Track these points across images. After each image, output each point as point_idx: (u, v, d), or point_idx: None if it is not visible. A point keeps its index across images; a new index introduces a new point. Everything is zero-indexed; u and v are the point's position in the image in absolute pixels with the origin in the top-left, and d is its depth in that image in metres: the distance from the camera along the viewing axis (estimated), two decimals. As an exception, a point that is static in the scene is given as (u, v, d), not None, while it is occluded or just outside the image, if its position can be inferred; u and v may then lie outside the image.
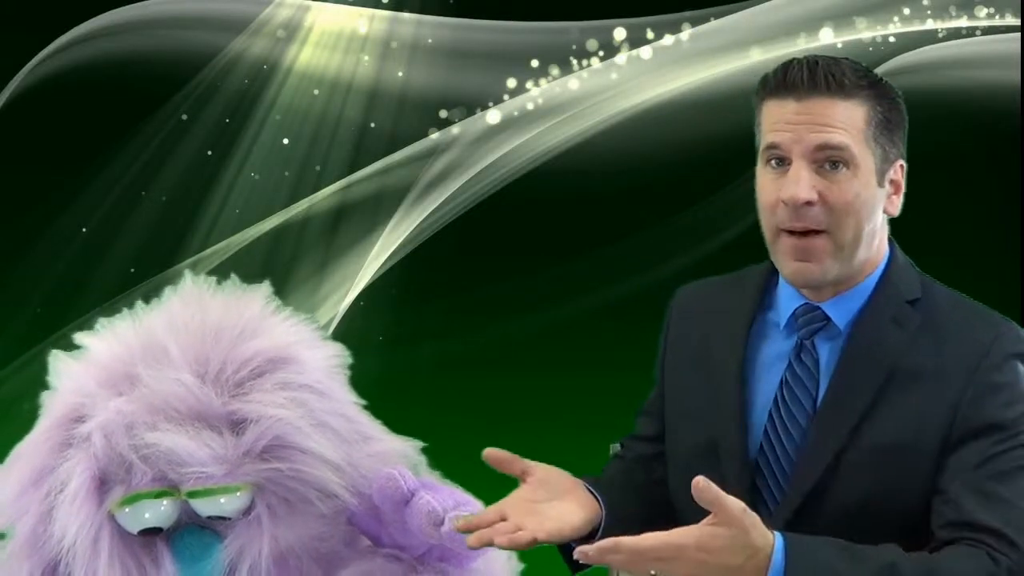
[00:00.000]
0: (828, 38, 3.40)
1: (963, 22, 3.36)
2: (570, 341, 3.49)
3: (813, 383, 1.66)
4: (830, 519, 1.62)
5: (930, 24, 3.37)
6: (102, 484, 1.24)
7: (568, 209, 3.50)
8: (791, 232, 1.61)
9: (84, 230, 3.56)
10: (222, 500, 1.23)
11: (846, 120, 1.59)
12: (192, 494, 1.23)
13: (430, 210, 3.59)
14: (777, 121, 1.62)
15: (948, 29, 3.37)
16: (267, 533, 1.24)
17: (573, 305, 3.51)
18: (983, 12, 3.35)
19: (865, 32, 3.39)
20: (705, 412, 1.72)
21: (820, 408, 1.64)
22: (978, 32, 3.35)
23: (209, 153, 3.59)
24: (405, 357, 3.53)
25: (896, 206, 1.65)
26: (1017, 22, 3.31)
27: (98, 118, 3.51)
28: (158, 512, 1.23)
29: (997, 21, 3.34)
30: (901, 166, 1.65)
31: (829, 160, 1.59)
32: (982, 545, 1.52)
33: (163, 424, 1.22)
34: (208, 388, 1.25)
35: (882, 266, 1.67)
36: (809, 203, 1.59)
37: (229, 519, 1.25)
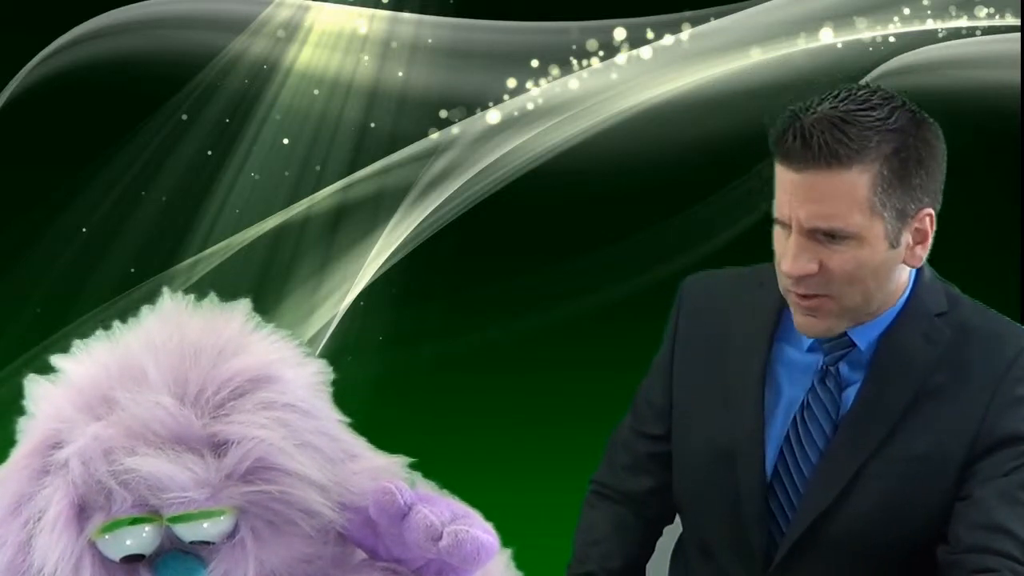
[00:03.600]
0: (828, 38, 3.40)
1: (963, 22, 3.36)
2: (571, 341, 3.48)
3: (834, 406, 1.64)
4: (839, 539, 1.62)
5: (930, 24, 3.37)
6: (81, 512, 1.21)
7: (568, 209, 3.49)
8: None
9: (84, 230, 3.56)
10: (205, 525, 1.21)
11: (844, 195, 1.51)
12: (174, 519, 1.21)
13: (430, 210, 3.59)
14: (779, 188, 1.56)
15: (948, 29, 3.36)
16: (252, 556, 1.21)
17: (573, 305, 3.51)
18: (983, 12, 3.34)
19: (865, 32, 3.39)
20: (721, 417, 1.70)
21: (845, 424, 1.63)
22: (978, 32, 3.35)
23: (209, 153, 3.59)
24: (405, 357, 3.53)
25: (919, 257, 1.59)
26: (1017, 22, 3.31)
27: (98, 118, 3.51)
28: (140, 539, 1.21)
29: (997, 21, 3.34)
30: (928, 215, 1.57)
31: (826, 235, 1.54)
32: (1000, 557, 1.52)
33: (142, 448, 1.20)
34: (188, 410, 1.22)
35: (909, 288, 1.64)
36: (807, 275, 1.55)
37: (213, 543, 1.23)
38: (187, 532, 1.22)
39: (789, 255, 1.55)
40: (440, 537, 1.22)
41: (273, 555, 1.23)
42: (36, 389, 1.29)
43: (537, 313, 3.50)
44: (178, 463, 1.19)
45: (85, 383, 1.27)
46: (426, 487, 1.29)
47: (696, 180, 3.43)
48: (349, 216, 3.62)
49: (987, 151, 3.15)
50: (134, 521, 1.21)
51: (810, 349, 1.66)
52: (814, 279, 1.55)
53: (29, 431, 1.28)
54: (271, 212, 3.62)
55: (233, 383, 1.24)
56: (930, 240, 1.60)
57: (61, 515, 1.20)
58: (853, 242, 1.53)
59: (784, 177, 1.55)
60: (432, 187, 3.59)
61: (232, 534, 1.23)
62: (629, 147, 3.48)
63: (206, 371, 1.24)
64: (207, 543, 1.23)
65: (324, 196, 3.62)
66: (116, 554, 1.22)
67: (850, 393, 1.63)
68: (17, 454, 1.27)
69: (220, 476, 1.21)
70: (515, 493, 3.18)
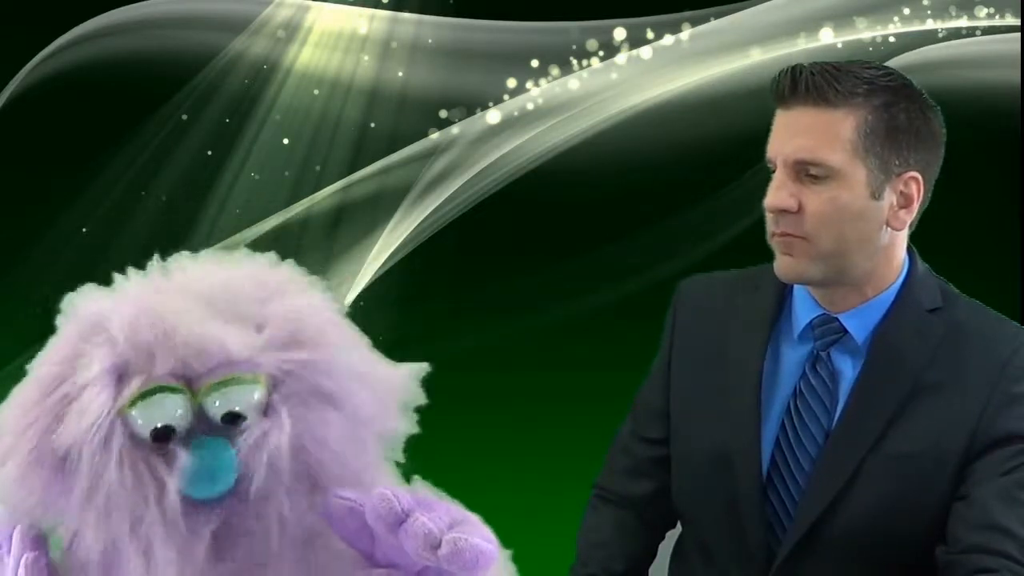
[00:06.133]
0: (828, 38, 3.40)
1: (963, 22, 3.36)
2: (570, 341, 3.48)
3: (829, 396, 1.64)
4: (840, 539, 1.62)
5: (930, 24, 3.37)
6: (120, 377, 1.21)
7: (568, 209, 3.49)
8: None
9: (84, 230, 3.56)
10: (240, 391, 1.22)
11: (828, 131, 1.56)
12: (211, 388, 1.22)
13: (430, 210, 3.59)
14: (772, 132, 1.63)
15: (948, 29, 3.36)
16: (285, 423, 1.22)
17: (573, 305, 3.51)
18: (983, 12, 3.35)
19: (865, 32, 3.39)
20: (718, 419, 1.70)
21: (841, 421, 1.63)
22: (978, 32, 3.35)
23: (209, 153, 3.59)
24: (405, 357, 3.52)
25: (903, 221, 1.61)
26: (1017, 22, 3.31)
27: (98, 118, 3.51)
28: (173, 409, 1.21)
29: (997, 21, 3.34)
30: (914, 179, 1.60)
31: (807, 171, 1.58)
32: (999, 557, 1.52)
33: (187, 313, 1.23)
34: (240, 281, 1.27)
35: (901, 278, 1.65)
36: (786, 211, 1.59)
37: (244, 421, 1.22)
38: (222, 402, 1.21)
39: (770, 189, 1.60)
40: (439, 545, 1.19)
41: (305, 430, 1.23)
42: (74, 299, 1.32)
43: (537, 313, 3.50)
44: (222, 328, 1.22)
45: (124, 294, 1.29)
46: (424, 490, 1.27)
47: (696, 180, 3.43)
48: (349, 216, 3.62)
49: (987, 151, 3.15)
50: (170, 389, 1.21)
51: (801, 337, 1.67)
52: (792, 218, 1.58)
53: (71, 321, 1.29)
54: (271, 212, 3.62)
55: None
56: (916, 206, 1.62)
57: (102, 375, 1.20)
58: (833, 183, 1.56)
59: (776, 120, 1.62)
60: (432, 187, 3.59)
61: (264, 412, 1.23)
62: (629, 147, 3.48)
63: (252, 295, 1.28)
64: (239, 419, 1.22)
65: (324, 196, 3.62)
66: (148, 425, 1.21)
67: (844, 388, 1.64)
68: (56, 342, 1.28)
69: (261, 342, 1.24)
70: (516, 493, 3.18)
